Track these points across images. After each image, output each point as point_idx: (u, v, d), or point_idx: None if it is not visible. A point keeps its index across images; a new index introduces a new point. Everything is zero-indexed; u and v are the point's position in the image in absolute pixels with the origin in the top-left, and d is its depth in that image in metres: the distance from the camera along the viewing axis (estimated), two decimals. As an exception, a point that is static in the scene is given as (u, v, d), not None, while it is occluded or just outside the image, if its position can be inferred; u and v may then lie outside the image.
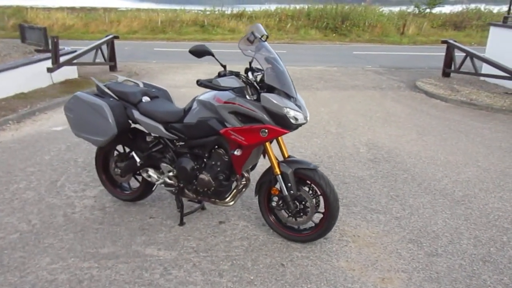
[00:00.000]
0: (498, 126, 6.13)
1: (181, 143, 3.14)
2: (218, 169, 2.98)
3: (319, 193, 2.88)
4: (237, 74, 2.77)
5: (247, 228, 3.25)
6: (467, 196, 3.80)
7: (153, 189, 3.55)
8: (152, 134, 3.26)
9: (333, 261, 2.81)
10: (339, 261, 2.82)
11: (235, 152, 2.82)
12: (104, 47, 9.82)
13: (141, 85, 3.42)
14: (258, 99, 2.73)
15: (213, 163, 2.99)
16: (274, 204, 2.99)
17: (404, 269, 2.73)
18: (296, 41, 17.61)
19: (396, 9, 20.83)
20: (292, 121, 2.67)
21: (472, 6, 19.76)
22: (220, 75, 2.77)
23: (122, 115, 3.16)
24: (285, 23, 18.84)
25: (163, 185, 3.24)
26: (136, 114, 3.17)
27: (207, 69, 10.67)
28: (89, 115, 3.16)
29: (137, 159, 3.25)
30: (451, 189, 3.93)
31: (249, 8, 20.82)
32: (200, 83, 2.73)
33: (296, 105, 2.70)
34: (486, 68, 8.75)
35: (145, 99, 3.24)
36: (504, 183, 4.06)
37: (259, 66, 2.82)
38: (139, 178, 3.57)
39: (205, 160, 3.04)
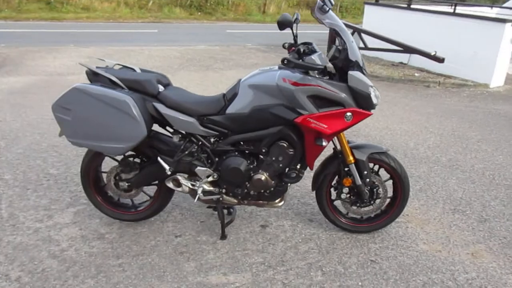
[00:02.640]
0: (409, 94, 6.79)
1: (220, 140, 2.55)
2: (280, 165, 2.51)
3: (388, 177, 2.69)
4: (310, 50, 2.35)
5: (297, 227, 2.86)
6: (450, 160, 4.08)
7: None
8: (180, 132, 2.56)
9: (414, 246, 2.67)
10: (418, 245, 2.69)
11: (323, 143, 2.40)
12: None
13: (138, 71, 2.63)
14: (330, 78, 2.37)
15: (273, 159, 2.50)
16: (344, 196, 2.68)
17: (477, 240, 2.76)
18: (161, 20, 16.53)
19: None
20: (374, 101, 2.39)
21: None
22: (300, 51, 2.30)
23: (146, 111, 2.38)
24: (146, 0, 17.51)
25: (200, 194, 2.59)
26: (161, 107, 2.44)
27: (79, 52, 9.08)
28: (102, 115, 2.29)
29: (166, 166, 2.51)
30: (433, 155, 4.17)
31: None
32: (287, 61, 2.22)
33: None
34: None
35: (161, 88, 2.51)
36: (466, 144, 4.50)
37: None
38: (147, 190, 2.82)
39: (261, 156, 2.53)
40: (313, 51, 2.37)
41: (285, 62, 2.26)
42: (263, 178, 2.52)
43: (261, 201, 2.66)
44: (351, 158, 2.56)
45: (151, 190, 2.83)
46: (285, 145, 2.48)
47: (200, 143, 2.54)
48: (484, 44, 7.27)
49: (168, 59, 8.87)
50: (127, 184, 2.66)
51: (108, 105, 2.27)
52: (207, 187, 2.59)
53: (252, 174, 2.53)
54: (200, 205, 3.06)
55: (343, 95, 2.34)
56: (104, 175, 2.77)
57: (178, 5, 17.89)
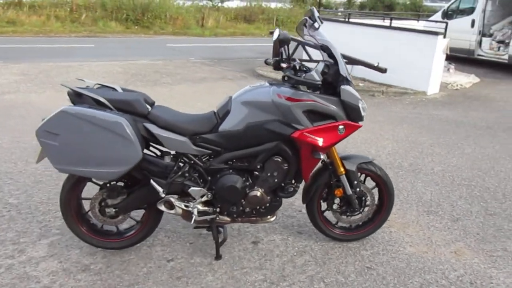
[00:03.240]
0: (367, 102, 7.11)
1: (212, 158, 2.50)
2: (276, 180, 2.52)
3: (374, 185, 2.80)
4: (300, 68, 2.40)
5: (288, 241, 2.87)
6: (412, 164, 4.33)
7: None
8: (171, 152, 2.48)
9: (402, 249, 2.80)
10: (405, 248, 2.82)
11: (321, 156, 2.43)
12: None
13: (120, 90, 2.51)
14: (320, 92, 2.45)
15: (268, 174, 2.50)
16: (335, 206, 2.74)
17: (455, 238, 2.95)
18: (96, 34, 15.89)
19: (188, 3, 21.25)
20: (363, 113, 2.50)
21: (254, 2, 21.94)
22: (296, 68, 2.34)
23: (138, 132, 2.27)
24: (79, 14, 16.74)
25: (193, 215, 2.50)
26: (152, 128, 2.34)
27: (9, 69, 8.37)
28: (94, 138, 2.15)
29: (159, 189, 2.40)
30: (395, 161, 4.40)
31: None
32: (287, 77, 2.24)
33: None
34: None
35: (148, 107, 2.42)
36: (421, 148, 4.80)
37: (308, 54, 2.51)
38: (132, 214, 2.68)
39: (256, 173, 2.51)
40: (307, 68, 2.43)
41: (286, 79, 2.29)
42: (258, 194, 2.50)
43: (254, 218, 2.64)
44: (341, 169, 2.63)
45: (137, 214, 2.69)
46: (279, 160, 2.49)
47: (192, 162, 2.47)
48: (420, 54, 7.85)
49: (112, 75, 8.54)
50: (114, 210, 2.51)
51: (100, 127, 2.14)
52: (201, 207, 2.52)
53: (247, 191, 2.50)
54: (185, 226, 2.97)
55: (335, 108, 2.41)
56: (85, 202, 2.60)
57: (114, 18, 17.34)
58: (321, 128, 2.39)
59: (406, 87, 8.13)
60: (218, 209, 2.55)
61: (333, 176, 2.66)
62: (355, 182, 2.66)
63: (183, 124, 2.40)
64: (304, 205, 2.79)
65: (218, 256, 2.64)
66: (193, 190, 2.47)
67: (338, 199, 2.72)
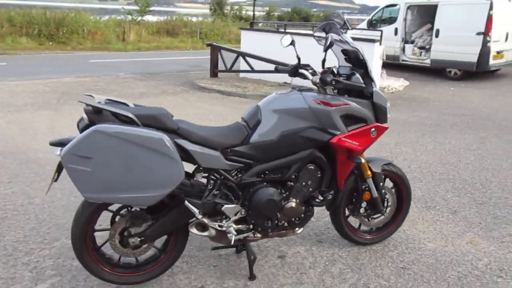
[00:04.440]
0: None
1: (242, 172, 2.33)
2: (310, 189, 2.42)
3: (392, 185, 2.82)
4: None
5: (312, 251, 2.77)
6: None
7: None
8: (203, 168, 2.25)
9: (424, 246, 2.84)
10: (426, 244, 2.87)
11: (361, 160, 2.38)
12: None
13: (131, 105, 2.25)
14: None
15: (303, 184, 2.40)
16: (362, 210, 2.70)
17: (463, 230, 3.07)
18: (6, 51, 14.42)
19: (105, 17, 20.26)
20: (388, 114, 2.52)
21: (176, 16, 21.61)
22: (333, 72, 2.28)
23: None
24: (-18, 30, 15.06)
25: (232, 235, 2.30)
26: (185, 143, 2.11)
27: None
28: (133, 159, 1.87)
29: (195, 210, 2.16)
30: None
31: None
32: (335, 81, 2.17)
33: None
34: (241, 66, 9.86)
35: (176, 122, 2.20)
36: (389, 148, 5.00)
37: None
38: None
39: (290, 183, 2.39)
40: (339, 72, 2.41)
41: (334, 83, 2.23)
42: (294, 205, 2.39)
43: (285, 231, 2.51)
44: (369, 172, 2.61)
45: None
46: (313, 168, 2.41)
47: (223, 178, 2.28)
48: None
49: (39, 94, 7.78)
50: (139, 239, 2.21)
51: (140, 146, 1.88)
52: (235, 225, 2.33)
53: (283, 203, 2.37)
54: (200, 249, 2.75)
55: (367, 111, 2.40)
56: (98, 234, 2.26)
57: (24, 34, 15.90)
58: (356, 132, 2.36)
59: (348, 92, 8.50)
60: (251, 226, 2.38)
61: (360, 180, 2.63)
62: (381, 184, 2.66)
63: (214, 138, 2.21)
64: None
65: (252, 276, 2.46)
66: (227, 208, 2.27)
67: (365, 202, 2.69)
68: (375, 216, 2.76)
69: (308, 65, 2.58)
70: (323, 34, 2.52)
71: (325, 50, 2.37)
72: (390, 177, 2.78)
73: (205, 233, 2.29)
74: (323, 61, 2.48)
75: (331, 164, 2.43)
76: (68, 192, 3.48)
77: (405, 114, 6.96)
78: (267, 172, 2.35)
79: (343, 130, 2.33)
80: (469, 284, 2.44)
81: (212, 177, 2.26)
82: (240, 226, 2.35)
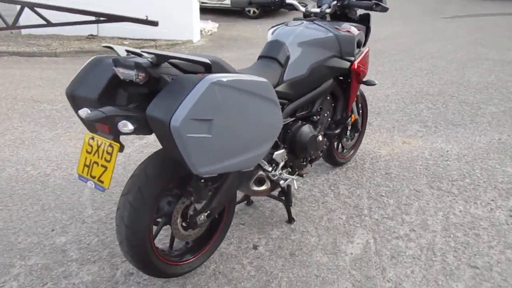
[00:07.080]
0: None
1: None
2: (329, 119, 2.46)
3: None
4: None
5: (293, 233, 2.84)
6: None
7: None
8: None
9: (380, 154, 3.27)
10: (380, 152, 3.31)
11: (375, 82, 2.51)
12: None
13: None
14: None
15: (325, 115, 2.41)
16: (348, 133, 2.87)
17: (390, 135, 3.66)
18: None
19: None
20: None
21: None
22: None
23: None
24: None
25: (286, 181, 2.15)
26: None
27: None
28: (247, 111, 1.50)
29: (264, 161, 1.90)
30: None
31: None
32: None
33: None
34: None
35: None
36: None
37: None
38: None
39: (315, 117, 2.35)
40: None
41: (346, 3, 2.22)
42: (321, 138, 2.39)
43: (309, 165, 2.46)
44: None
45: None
46: (329, 98, 2.43)
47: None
48: (179, 5, 7.97)
49: None
50: (206, 214, 1.83)
51: (251, 94, 1.51)
52: (284, 172, 2.19)
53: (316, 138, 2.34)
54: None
55: (363, 36, 2.52)
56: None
57: None
58: (362, 57, 2.47)
59: (173, 38, 8.18)
60: (289, 168, 2.28)
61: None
62: (359, 104, 2.89)
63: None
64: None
65: (291, 219, 2.39)
66: (277, 154, 2.10)
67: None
68: (354, 136, 2.99)
69: None
70: None
71: None
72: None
73: (263, 187, 2.08)
74: None
75: (344, 93, 2.51)
76: None
77: (239, 52, 7.25)
78: (298, 108, 2.23)
79: (355, 55, 2.40)
80: (434, 169, 3.00)
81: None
82: (285, 170, 2.21)
